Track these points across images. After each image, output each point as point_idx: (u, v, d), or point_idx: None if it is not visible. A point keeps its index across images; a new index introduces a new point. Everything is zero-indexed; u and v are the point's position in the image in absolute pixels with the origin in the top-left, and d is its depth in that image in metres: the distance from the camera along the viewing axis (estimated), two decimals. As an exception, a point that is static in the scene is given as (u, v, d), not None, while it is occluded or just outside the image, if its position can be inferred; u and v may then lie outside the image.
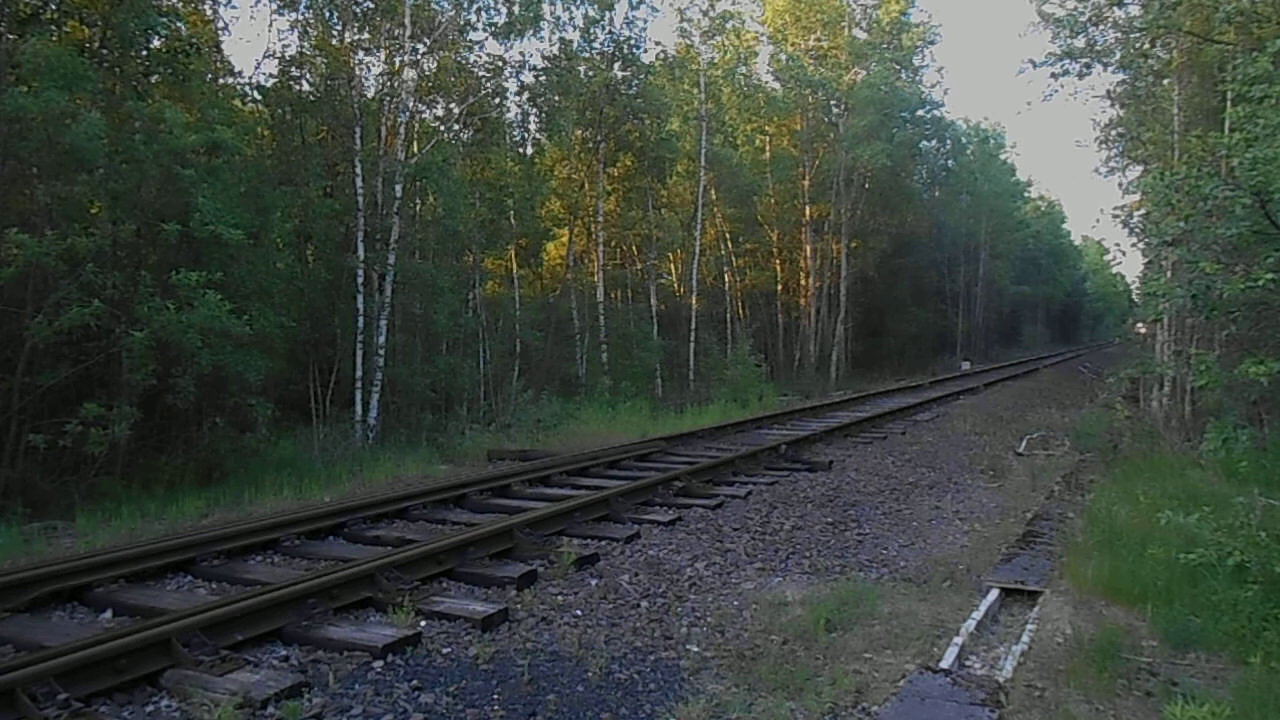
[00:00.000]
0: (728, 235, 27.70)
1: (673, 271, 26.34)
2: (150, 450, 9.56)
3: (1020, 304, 58.42)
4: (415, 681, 4.20)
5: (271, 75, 14.31)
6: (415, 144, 15.07)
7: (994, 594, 5.66)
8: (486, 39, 16.92)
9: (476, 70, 16.58)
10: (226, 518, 7.83)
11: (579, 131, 20.77)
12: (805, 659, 4.59)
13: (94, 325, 8.52)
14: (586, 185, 21.62)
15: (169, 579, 5.82)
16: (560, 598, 5.54)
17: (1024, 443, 13.45)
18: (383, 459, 11.06)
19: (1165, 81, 14.87)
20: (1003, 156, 50.76)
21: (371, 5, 14.37)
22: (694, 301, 23.33)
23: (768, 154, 29.03)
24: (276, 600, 4.77)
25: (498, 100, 17.63)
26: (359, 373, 12.94)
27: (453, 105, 16.54)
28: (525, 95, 19.15)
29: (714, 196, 26.03)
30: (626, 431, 14.15)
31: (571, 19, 20.02)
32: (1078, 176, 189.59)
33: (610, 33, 20.58)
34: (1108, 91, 16.31)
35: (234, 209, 10.11)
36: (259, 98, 14.28)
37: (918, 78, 35.94)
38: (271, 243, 12.12)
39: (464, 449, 12.19)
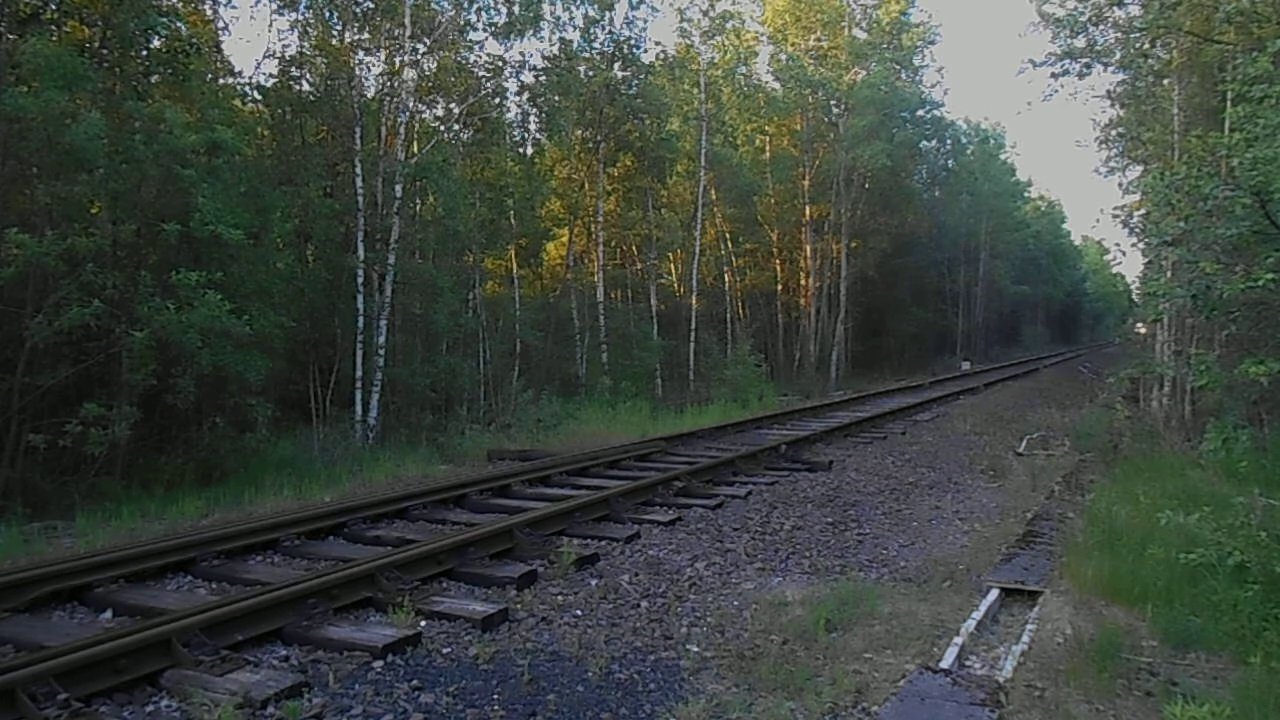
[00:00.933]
0: (728, 235, 27.67)
1: (673, 271, 26.31)
2: (150, 450, 9.56)
3: (1020, 304, 58.39)
4: (415, 681, 4.20)
5: (271, 75, 14.35)
6: (415, 144, 15.07)
7: (994, 594, 5.66)
8: (486, 39, 17.00)
9: (476, 70, 16.60)
10: (226, 518, 7.83)
11: (579, 131, 20.76)
12: (805, 659, 4.59)
13: (94, 325, 8.51)
14: (586, 185, 21.62)
15: (169, 579, 5.82)
16: (560, 598, 5.54)
17: (1024, 443, 13.45)
18: (383, 459, 11.06)
19: (1165, 81, 14.86)
20: (1003, 156, 50.92)
21: (371, 5, 14.37)
22: (694, 301, 23.31)
23: (768, 154, 29.01)
24: (276, 600, 4.77)
25: (498, 100, 17.66)
26: (359, 373, 12.93)
27: (453, 105, 16.55)
28: (525, 95, 19.21)
29: (714, 196, 26.02)
30: (626, 431, 14.15)
31: (571, 19, 20.06)
32: (1078, 176, 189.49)
33: (610, 33, 20.60)
34: (1108, 91, 16.36)
35: (234, 209, 10.10)
36: (259, 98, 14.28)
37: (918, 78, 36.00)
38: (271, 243, 12.11)
39: (464, 449, 12.19)
